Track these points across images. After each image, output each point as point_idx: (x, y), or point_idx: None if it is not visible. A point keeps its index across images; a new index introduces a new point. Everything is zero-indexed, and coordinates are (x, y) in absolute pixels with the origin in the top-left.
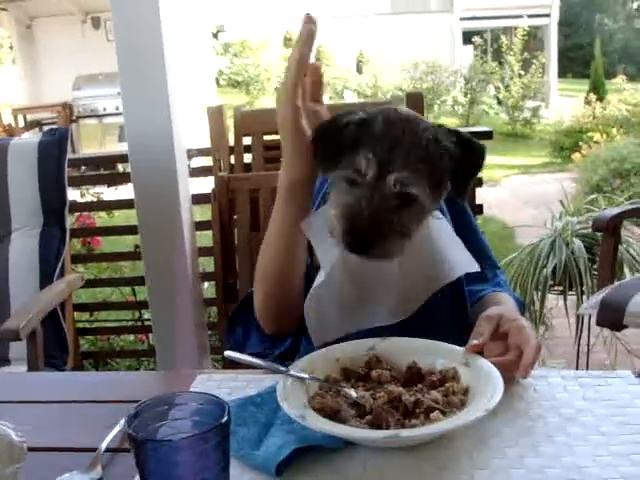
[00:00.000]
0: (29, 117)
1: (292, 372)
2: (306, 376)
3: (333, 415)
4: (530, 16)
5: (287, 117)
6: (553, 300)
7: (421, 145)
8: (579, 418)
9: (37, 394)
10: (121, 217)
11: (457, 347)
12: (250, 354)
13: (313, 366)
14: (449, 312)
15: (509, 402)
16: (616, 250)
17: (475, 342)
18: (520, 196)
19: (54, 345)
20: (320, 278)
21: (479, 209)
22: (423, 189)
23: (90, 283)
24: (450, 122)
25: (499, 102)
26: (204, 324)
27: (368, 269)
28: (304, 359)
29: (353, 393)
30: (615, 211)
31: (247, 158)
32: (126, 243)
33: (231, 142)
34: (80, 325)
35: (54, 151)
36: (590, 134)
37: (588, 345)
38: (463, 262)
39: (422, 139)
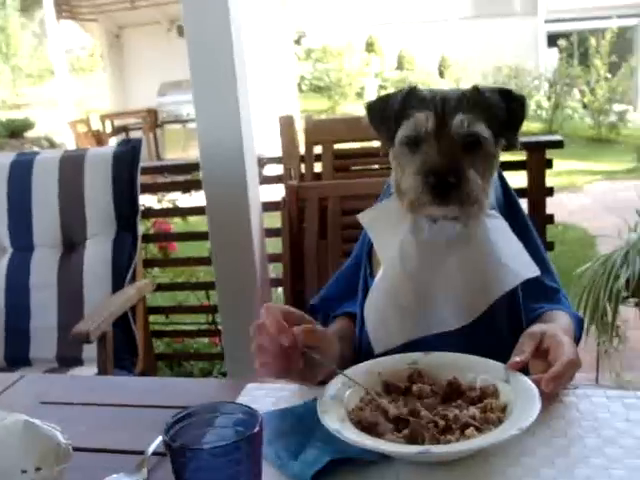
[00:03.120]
0: (116, 123)
1: (344, 373)
2: (356, 382)
3: (371, 428)
4: (618, 17)
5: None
6: (630, 312)
7: (470, 96)
8: (619, 440)
9: (96, 397)
10: (197, 222)
11: (499, 364)
12: None
13: (357, 378)
14: (506, 321)
15: (548, 421)
16: None
17: (517, 359)
18: (603, 203)
19: (124, 348)
20: (378, 276)
21: (550, 219)
22: (486, 130)
23: (165, 287)
24: (533, 127)
25: (584, 106)
26: None
27: (427, 273)
28: (346, 372)
29: (391, 408)
30: None
31: (318, 167)
32: (204, 248)
33: (303, 151)
34: (156, 327)
35: (128, 161)
36: None
37: None
38: (524, 266)
39: (467, 93)
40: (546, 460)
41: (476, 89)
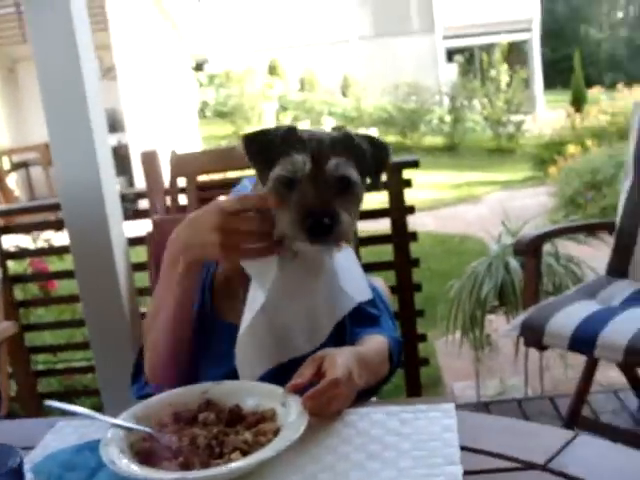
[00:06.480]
0: (15, 159)
1: (111, 420)
2: (121, 423)
3: (148, 458)
4: (512, 31)
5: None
6: (502, 321)
7: (342, 141)
8: (383, 454)
9: None
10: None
11: (279, 388)
12: None
13: (148, 410)
14: (333, 343)
15: (323, 438)
16: (539, 271)
17: (293, 382)
18: (500, 213)
19: None
20: (258, 301)
21: (413, 237)
22: (355, 173)
23: (41, 326)
24: (436, 140)
25: (485, 118)
26: None
27: (286, 303)
28: (139, 405)
29: (174, 442)
30: (534, 233)
31: (184, 199)
32: None
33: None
34: (41, 367)
35: None
36: (566, 146)
37: (540, 363)
38: (359, 291)
39: (340, 137)
40: (310, 477)
41: (347, 134)
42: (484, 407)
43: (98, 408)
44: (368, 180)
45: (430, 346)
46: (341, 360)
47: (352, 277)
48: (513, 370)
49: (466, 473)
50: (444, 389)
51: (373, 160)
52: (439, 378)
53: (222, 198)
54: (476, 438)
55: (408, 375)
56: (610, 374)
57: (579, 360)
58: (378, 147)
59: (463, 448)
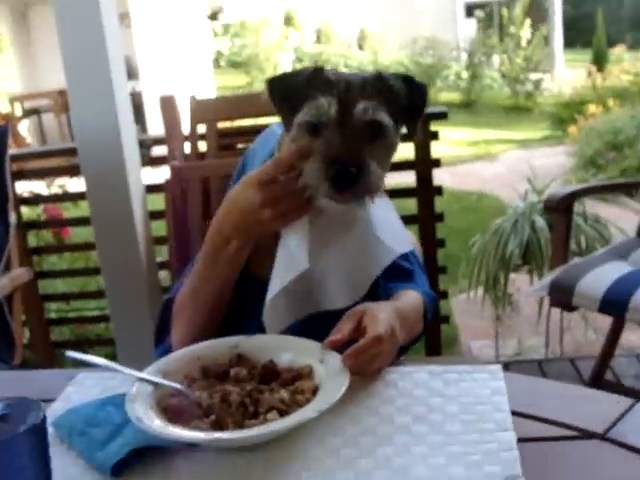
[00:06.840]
0: (27, 105)
1: (138, 374)
2: (148, 378)
3: (177, 415)
4: None
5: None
6: (524, 280)
7: (374, 82)
8: (428, 416)
9: None
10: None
11: (316, 343)
12: None
13: (174, 365)
14: (367, 299)
15: (363, 399)
16: (569, 230)
17: (332, 338)
18: (517, 171)
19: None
20: (298, 265)
21: (438, 190)
22: (387, 118)
23: (56, 274)
24: (452, 97)
25: (503, 76)
26: None
27: (317, 255)
28: (165, 358)
29: (203, 398)
30: (567, 190)
31: (204, 146)
32: None
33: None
34: (53, 315)
35: None
36: (587, 106)
37: (561, 324)
38: (398, 242)
39: (371, 78)
40: (350, 439)
41: (379, 75)
42: (504, 367)
43: (112, 357)
44: (404, 128)
45: (447, 304)
46: (383, 315)
47: (390, 228)
48: (532, 331)
49: (519, 440)
50: (461, 347)
51: (409, 103)
52: (456, 336)
53: (252, 173)
54: (527, 403)
55: (428, 333)
56: (631, 337)
57: (601, 322)
58: (416, 89)
59: (513, 413)
